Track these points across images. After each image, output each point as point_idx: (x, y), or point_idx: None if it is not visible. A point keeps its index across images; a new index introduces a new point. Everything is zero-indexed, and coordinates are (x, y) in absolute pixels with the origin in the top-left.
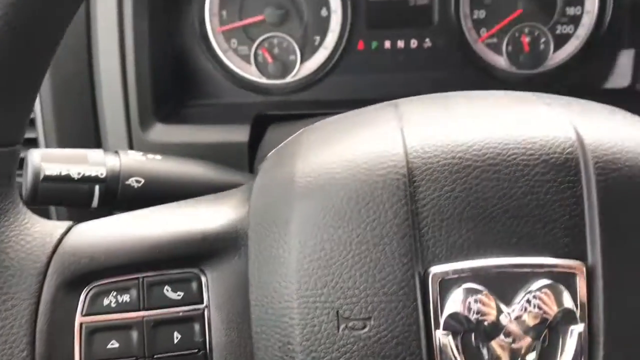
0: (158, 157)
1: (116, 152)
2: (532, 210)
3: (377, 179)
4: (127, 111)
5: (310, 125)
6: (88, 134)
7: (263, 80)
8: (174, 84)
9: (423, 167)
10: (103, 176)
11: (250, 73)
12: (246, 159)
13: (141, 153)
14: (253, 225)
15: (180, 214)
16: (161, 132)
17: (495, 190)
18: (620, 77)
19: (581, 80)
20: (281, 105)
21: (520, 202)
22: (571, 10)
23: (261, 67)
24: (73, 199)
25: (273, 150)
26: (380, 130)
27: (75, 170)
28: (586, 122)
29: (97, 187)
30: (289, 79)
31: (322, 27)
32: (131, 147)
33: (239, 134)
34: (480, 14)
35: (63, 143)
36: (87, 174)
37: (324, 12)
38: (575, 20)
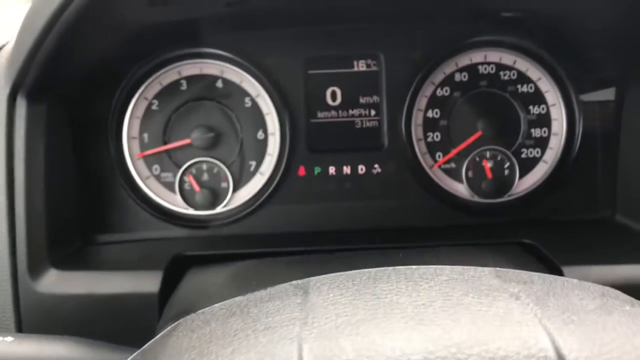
0: (9, 338)
1: None
2: None
3: None
4: (13, 255)
5: (186, 321)
6: None
7: (189, 211)
8: (79, 219)
9: None
10: None
11: (175, 203)
12: (157, 313)
13: None
14: None
15: None
16: (55, 280)
17: None
18: (597, 206)
19: (552, 210)
20: (208, 242)
21: None
22: (537, 132)
23: (187, 196)
24: None
25: (138, 352)
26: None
27: None
28: (564, 328)
29: None
30: (219, 209)
31: (259, 150)
32: (17, 301)
33: (149, 283)
34: (435, 136)
35: None
36: None
37: (260, 135)
38: (542, 143)
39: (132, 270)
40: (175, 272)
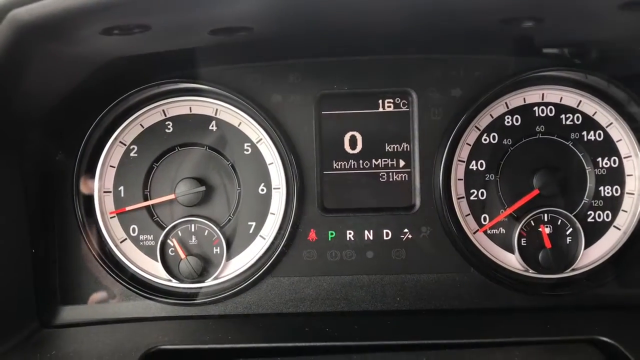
0: None
1: None
2: None
3: None
4: None
5: None
6: None
7: (173, 283)
8: (36, 293)
9: None
10: None
11: (155, 273)
12: None
13: None
14: None
15: None
16: None
17: None
18: None
19: (627, 290)
20: (192, 327)
21: None
22: (607, 190)
23: (170, 265)
24: None
25: None
26: None
27: None
28: None
29: None
30: (209, 282)
31: (260, 209)
32: None
33: None
34: (480, 194)
35: None
36: None
37: (261, 189)
38: (614, 204)
39: None
40: None
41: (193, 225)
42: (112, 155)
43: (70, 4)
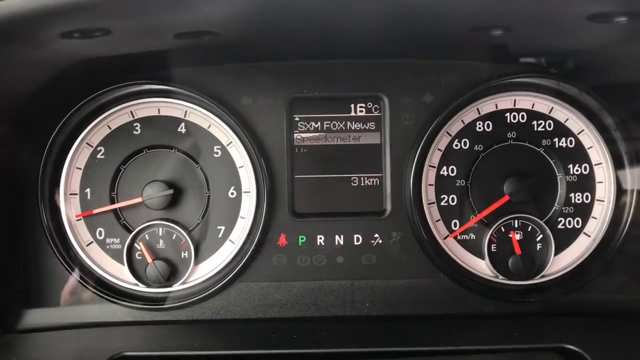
0: None
1: None
2: None
3: None
4: None
5: None
6: None
7: (139, 287)
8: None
9: None
10: None
11: (121, 277)
12: None
13: None
14: None
15: None
16: None
17: None
18: None
19: (596, 298)
20: (158, 333)
21: None
22: (578, 197)
23: (137, 269)
24: None
25: None
26: None
27: None
28: None
29: None
30: (176, 286)
31: (229, 213)
32: None
33: None
34: (451, 199)
35: None
36: None
37: (231, 193)
38: (584, 212)
39: None
40: None
41: (161, 229)
42: (78, 156)
43: (28, 6)
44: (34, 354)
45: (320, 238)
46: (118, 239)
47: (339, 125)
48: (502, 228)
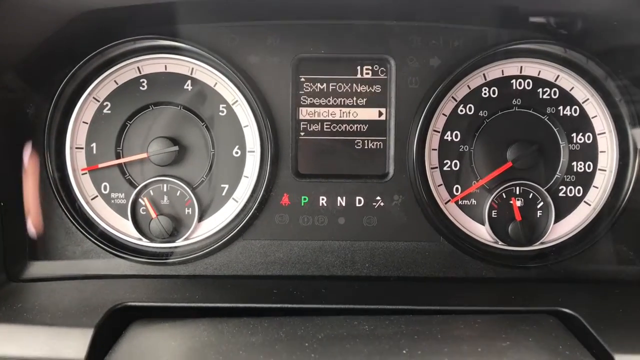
0: None
1: None
2: None
3: None
4: None
5: None
6: None
7: (143, 242)
8: (4, 246)
9: None
10: None
11: (125, 231)
12: None
13: None
14: None
15: None
16: None
17: None
18: None
19: (594, 266)
20: (160, 286)
21: None
22: (580, 166)
23: (141, 224)
24: None
25: None
26: None
27: None
28: None
29: None
30: (179, 242)
31: (233, 171)
32: None
33: (75, 345)
34: (454, 165)
35: None
36: None
37: (236, 152)
38: (586, 180)
39: (56, 325)
40: (114, 326)
41: (165, 185)
42: (85, 111)
43: None
44: (38, 301)
45: (323, 199)
46: (123, 194)
47: (344, 87)
48: (504, 194)
